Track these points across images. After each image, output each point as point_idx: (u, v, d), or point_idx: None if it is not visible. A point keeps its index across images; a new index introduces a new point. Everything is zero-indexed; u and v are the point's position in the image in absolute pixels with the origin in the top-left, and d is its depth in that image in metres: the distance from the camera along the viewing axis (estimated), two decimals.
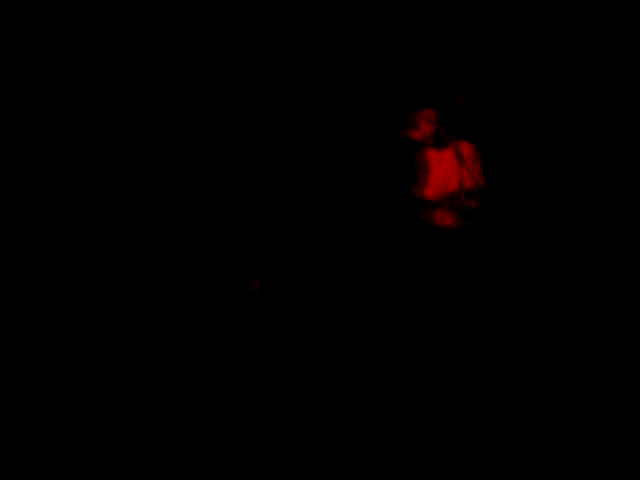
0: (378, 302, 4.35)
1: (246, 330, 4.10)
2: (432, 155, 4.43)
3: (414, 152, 4.43)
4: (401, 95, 4.62)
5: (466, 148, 4.44)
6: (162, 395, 3.66)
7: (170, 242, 4.39)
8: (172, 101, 4.57)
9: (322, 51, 4.62)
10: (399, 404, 3.79)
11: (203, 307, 4.18)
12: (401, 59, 4.66)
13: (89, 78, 4.47)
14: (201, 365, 3.85)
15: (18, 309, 4.06)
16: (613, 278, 4.49)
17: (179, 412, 3.56)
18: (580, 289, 4.48)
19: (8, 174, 4.31)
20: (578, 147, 4.67)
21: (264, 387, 3.74)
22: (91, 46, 4.42)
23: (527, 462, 3.25)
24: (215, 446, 3.37)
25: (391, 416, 3.67)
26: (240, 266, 4.35)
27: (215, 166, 4.55)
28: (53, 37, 4.37)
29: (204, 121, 4.58)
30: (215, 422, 3.50)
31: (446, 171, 4.42)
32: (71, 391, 3.66)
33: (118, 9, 4.41)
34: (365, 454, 3.33)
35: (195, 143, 4.57)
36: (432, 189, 4.41)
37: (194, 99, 4.61)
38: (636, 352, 4.02)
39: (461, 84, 4.50)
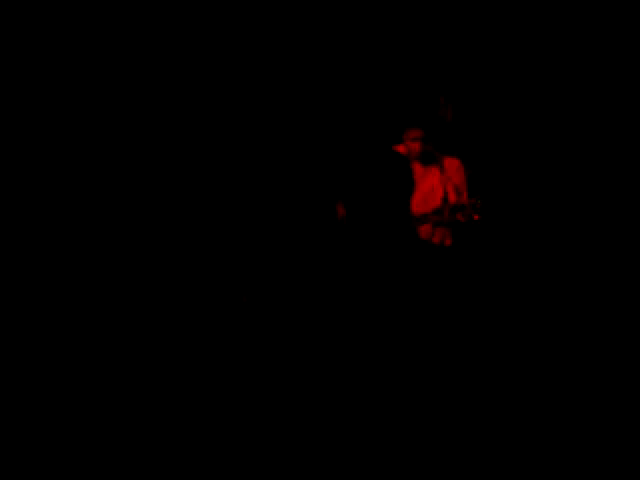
0: (365, 311, 4.34)
1: (244, 332, 4.08)
2: (418, 170, 4.52)
3: (400, 167, 4.52)
4: (388, 112, 4.70)
5: (451, 163, 4.46)
6: (162, 395, 3.62)
7: (169, 243, 4.40)
8: (172, 102, 4.62)
9: (314, 63, 4.70)
10: (390, 404, 3.75)
11: (202, 307, 4.18)
12: (389, 74, 4.74)
13: (89, 78, 4.55)
14: (201, 365, 3.83)
15: (18, 309, 4.04)
16: (604, 296, 4.48)
17: (179, 412, 3.52)
18: (569, 303, 4.47)
19: (8, 174, 4.33)
20: (565, 162, 4.69)
21: (264, 387, 3.70)
22: (91, 46, 4.60)
23: (527, 462, 3.19)
24: (215, 446, 3.33)
25: (387, 416, 3.63)
26: (237, 270, 4.36)
27: (213, 169, 4.59)
28: (53, 37, 4.56)
29: (202, 124, 4.63)
30: (215, 422, 3.46)
31: (431, 186, 4.47)
32: (71, 391, 3.61)
33: (118, 9, 4.58)
34: (365, 454, 3.27)
35: (194, 145, 4.61)
36: (417, 204, 4.48)
37: (194, 101, 4.66)
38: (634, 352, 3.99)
39: (448, 100, 4.57)
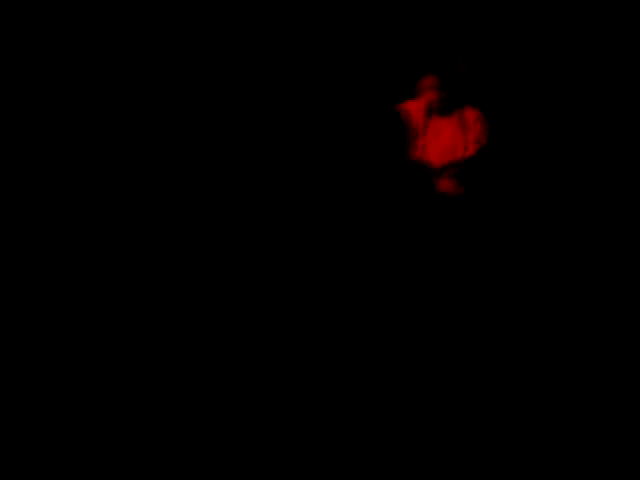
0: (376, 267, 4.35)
1: (246, 329, 4.10)
2: (437, 122, 4.40)
3: (419, 119, 4.40)
4: (403, 63, 4.56)
5: (471, 114, 4.31)
6: (162, 395, 3.68)
7: (169, 242, 4.42)
8: (172, 102, 4.57)
9: (321, 19, 4.59)
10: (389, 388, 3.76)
11: (203, 307, 4.20)
12: (401, 27, 4.59)
13: (89, 78, 4.55)
14: (201, 365, 3.86)
15: (18, 309, 4.10)
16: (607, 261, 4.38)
17: (179, 412, 3.57)
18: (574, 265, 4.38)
19: (8, 174, 4.35)
20: (585, 114, 4.52)
21: (264, 387, 3.73)
22: (91, 46, 4.54)
23: (527, 462, 3.18)
24: (215, 446, 3.38)
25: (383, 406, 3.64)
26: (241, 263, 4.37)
27: (215, 166, 4.58)
28: (53, 37, 4.50)
29: (202, 122, 4.60)
30: (214, 422, 3.51)
31: (451, 138, 4.35)
32: (71, 391, 3.69)
33: (118, 9, 4.52)
34: (364, 454, 3.30)
35: (194, 144, 4.59)
36: (437, 156, 4.37)
37: (194, 100, 4.61)
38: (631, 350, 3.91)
39: (462, 51, 4.38)
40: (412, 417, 3.52)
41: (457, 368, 3.88)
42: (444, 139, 4.35)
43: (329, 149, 4.65)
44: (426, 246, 4.31)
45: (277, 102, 4.65)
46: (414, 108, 4.40)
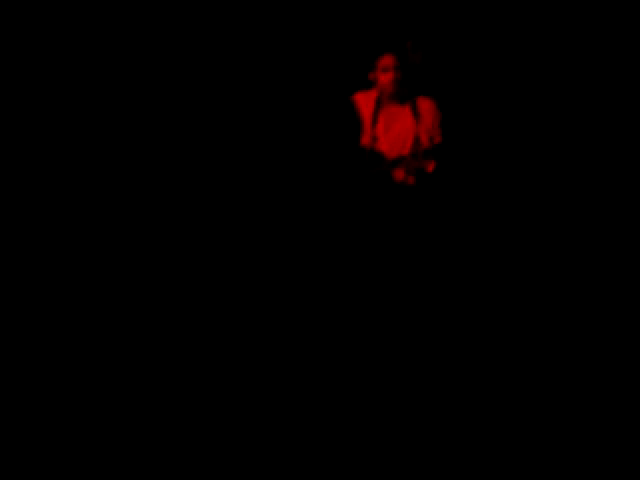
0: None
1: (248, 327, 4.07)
2: (390, 110, 4.35)
3: (371, 107, 4.36)
4: (357, 49, 4.53)
5: (424, 104, 4.31)
6: (162, 395, 3.64)
7: (170, 242, 4.38)
8: (172, 101, 4.55)
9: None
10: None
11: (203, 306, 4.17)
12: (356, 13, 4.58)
13: (89, 78, 4.54)
14: (201, 365, 3.83)
15: (18, 309, 4.10)
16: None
17: (179, 412, 3.54)
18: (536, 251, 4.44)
19: (8, 174, 4.34)
20: (543, 107, 4.58)
21: (264, 387, 3.72)
22: (91, 46, 4.53)
23: (527, 462, 3.22)
24: (215, 446, 3.35)
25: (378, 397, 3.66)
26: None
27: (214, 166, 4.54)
28: (53, 37, 4.48)
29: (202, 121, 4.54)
30: (215, 422, 3.49)
31: (403, 127, 4.31)
32: (71, 391, 3.61)
33: (118, 9, 4.53)
34: (363, 454, 3.31)
35: (195, 143, 4.54)
36: (389, 146, 4.33)
37: (194, 99, 4.55)
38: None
39: (412, 40, 4.37)
40: (411, 414, 3.54)
41: (449, 363, 3.90)
42: (396, 129, 4.33)
43: (286, 141, 4.63)
44: (385, 236, 4.32)
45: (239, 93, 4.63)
46: (366, 98, 4.40)
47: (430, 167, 4.23)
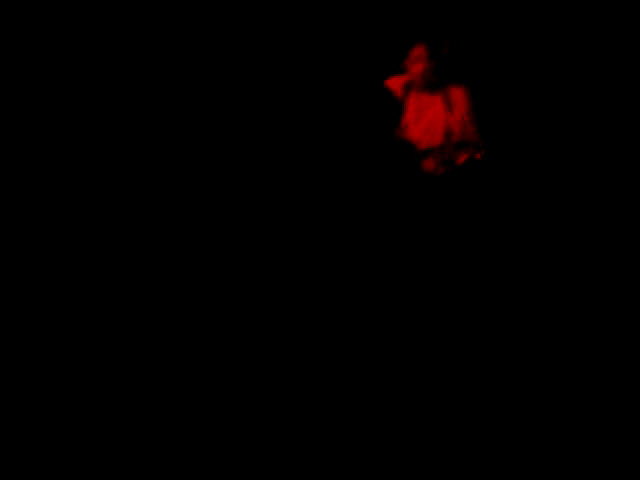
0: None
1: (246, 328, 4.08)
2: (421, 99, 4.25)
3: (403, 96, 4.28)
4: (388, 38, 4.47)
5: (457, 94, 4.23)
6: (162, 395, 3.67)
7: (170, 242, 4.40)
8: (172, 101, 4.53)
9: None
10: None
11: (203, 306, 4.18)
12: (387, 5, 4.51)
13: (89, 78, 4.52)
14: (201, 365, 3.85)
15: (18, 309, 4.09)
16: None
17: (179, 412, 3.57)
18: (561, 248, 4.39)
19: (8, 174, 4.36)
20: (576, 98, 4.49)
21: (264, 386, 3.73)
22: (91, 46, 4.51)
23: (527, 462, 3.22)
24: (215, 446, 3.38)
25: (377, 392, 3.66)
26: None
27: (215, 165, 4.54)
28: (53, 37, 4.46)
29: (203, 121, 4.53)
30: (214, 422, 3.51)
31: (434, 117, 4.22)
32: (71, 391, 3.66)
33: (118, 9, 4.49)
34: (363, 454, 3.32)
35: (195, 143, 4.54)
36: (420, 134, 4.24)
37: (194, 99, 4.53)
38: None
39: (444, 28, 4.28)
40: (411, 413, 3.55)
41: (450, 359, 3.90)
42: (426, 119, 4.24)
43: (315, 129, 4.60)
44: (412, 227, 4.27)
45: (260, 85, 4.59)
46: (398, 84, 4.32)
47: (461, 159, 4.17)
